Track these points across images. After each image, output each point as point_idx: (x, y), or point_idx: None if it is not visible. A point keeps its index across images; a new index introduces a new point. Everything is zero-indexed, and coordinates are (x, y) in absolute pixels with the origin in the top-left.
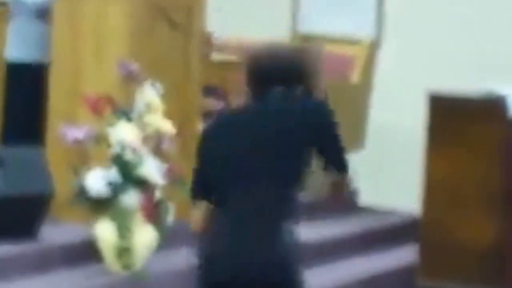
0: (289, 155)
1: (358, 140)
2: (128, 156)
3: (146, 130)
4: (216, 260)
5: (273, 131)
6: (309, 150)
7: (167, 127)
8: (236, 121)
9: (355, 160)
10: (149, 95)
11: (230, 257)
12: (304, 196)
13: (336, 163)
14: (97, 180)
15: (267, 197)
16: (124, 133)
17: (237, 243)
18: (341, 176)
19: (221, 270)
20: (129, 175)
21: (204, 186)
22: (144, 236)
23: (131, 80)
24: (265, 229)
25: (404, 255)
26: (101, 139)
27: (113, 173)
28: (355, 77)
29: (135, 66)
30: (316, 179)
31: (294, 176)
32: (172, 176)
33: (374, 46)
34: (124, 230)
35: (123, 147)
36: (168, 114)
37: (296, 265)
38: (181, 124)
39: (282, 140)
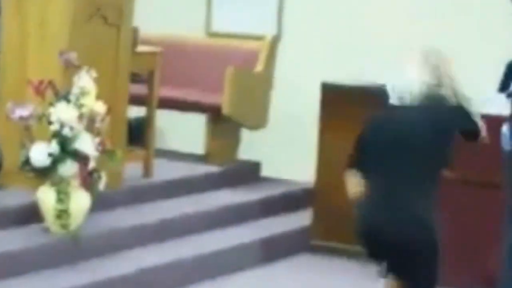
0: (435, 142)
1: (262, 120)
2: (66, 132)
3: (81, 110)
4: (371, 215)
5: (424, 123)
6: (450, 138)
7: (99, 107)
8: (397, 114)
9: (259, 138)
10: (85, 80)
11: (384, 213)
12: (214, 166)
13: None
14: (40, 152)
15: (416, 173)
16: (63, 113)
17: (391, 204)
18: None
19: (374, 223)
20: (67, 148)
21: (361, 159)
22: (79, 200)
23: (69, 67)
24: (415, 196)
25: (300, 219)
26: (43, 118)
27: (54, 147)
28: (259, 67)
29: (73, 55)
30: None
31: (437, 157)
32: (103, 149)
33: (275, 40)
34: (62, 195)
35: (62, 124)
36: (101, 97)
37: (435, 226)
38: (111, 105)
39: (430, 130)
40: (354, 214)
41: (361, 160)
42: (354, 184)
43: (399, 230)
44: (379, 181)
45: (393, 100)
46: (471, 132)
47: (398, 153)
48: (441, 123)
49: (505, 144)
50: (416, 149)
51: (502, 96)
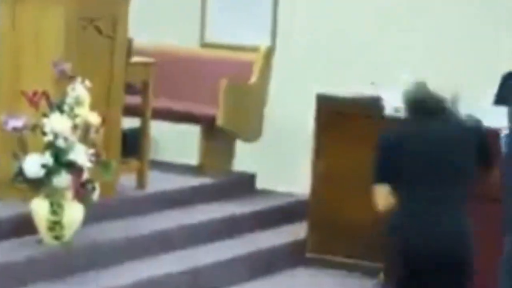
0: (466, 160)
1: (257, 132)
2: (60, 143)
3: (75, 121)
4: (418, 233)
5: (455, 141)
6: (475, 156)
7: (94, 118)
8: (425, 130)
9: (254, 150)
10: (79, 90)
11: (432, 230)
12: (208, 178)
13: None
14: (33, 164)
15: (453, 188)
16: (57, 123)
17: (432, 223)
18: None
19: (420, 247)
20: (60, 159)
21: (388, 173)
22: (73, 212)
23: (63, 77)
24: (453, 213)
25: (296, 232)
26: (37, 128)
27: (47, 158)
28: (253, 79)
29: (67, 66)
30: None
31: (469, 174)
32: (97, 160)
33: (269, 52)
34: (55, 207)
35: (55, 135)
36: (95, 108)
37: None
38: (106, 116)
39: (461, 148)
40: (386, 232)
41: (392, 174)
42: (384, 196)
43: (450, 247)
44: (419, 197)
45: (405, 111)
46: (485, 156)
47: (439, 169)
48: (472, 138)
49: (504, 146)
50: (455, 164)
51: (498, 109)
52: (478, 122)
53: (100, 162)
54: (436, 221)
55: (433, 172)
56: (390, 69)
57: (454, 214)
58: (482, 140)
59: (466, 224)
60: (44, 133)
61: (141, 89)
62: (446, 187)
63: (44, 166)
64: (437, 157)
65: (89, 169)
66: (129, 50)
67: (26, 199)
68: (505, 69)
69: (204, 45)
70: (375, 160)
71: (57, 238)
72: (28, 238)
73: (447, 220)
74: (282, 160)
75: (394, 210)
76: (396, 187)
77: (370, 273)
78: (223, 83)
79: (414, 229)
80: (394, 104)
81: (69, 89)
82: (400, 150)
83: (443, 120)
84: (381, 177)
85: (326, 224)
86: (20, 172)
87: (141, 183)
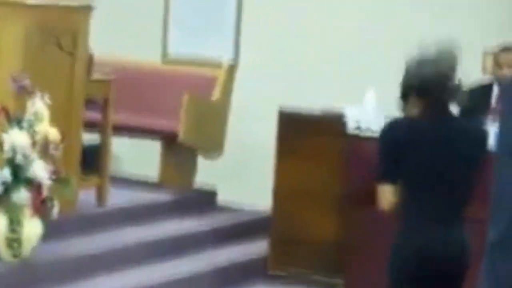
0: (471, 168)
1: (218, 148)
2: (19, 159)
3: (35, 137)
4: (429, 241)
5: (462, 148)
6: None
7: (53, 134)
8: (431, 131)
9: (216, 166)
10: (39, 106)
11: (443, 238)
12: (169, 194)
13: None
14: None
15: (459, 199)
16: (16, 139)
17: (439, 234)
18: None
19: (434, 248)
20: (20, 176)
21: (394, 172)
22: (32, 228)
23: (23, 92)
24: (457, 224)
25: (257, 248)
26: None
27: (6, 174)
28: (216, 94)
29: (26, 81)
30: None
31: (473, 184)
32: (57, 177)
33: (232, 68)
34: (15, 223)
35: (15, 151)
36: (55, 123)
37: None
38: (66, 132)
39: (467, 155)
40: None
41: (398, 173)
42: (389, 195)
43: (457, 255)
44: (427, 202)
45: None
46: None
47: (448, 173)
48: (479, 143)
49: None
50: (462, 169)
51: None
52: (484, 132)
53: (59, 179)
54: (449, 231)
55: (445, 177)
56: (354, 86)
57: (462, 223)
58: (482, 154)
59: (466, 236)
60: (3, 149)
61: (102, 105)
62: (457, 194)
63: (3, 182)
64: (447, 161)
65: (48, 185)
66: (90, 66)
67: None
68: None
69: (167, 60)
70: (378, 156)
71: (15, 255)
72: None
73: (459, 230)
74: (244, 176)
75: (399, 218)
76: (404, 188)
77: None
78: (185, 98)
79: (428, 240)
80: (356, 121)
81: (28, 104)
82: (406, 149)
83: (451, 116)
84: (385, 175)
85: (288, 240)
86: None
87: (101, 199)
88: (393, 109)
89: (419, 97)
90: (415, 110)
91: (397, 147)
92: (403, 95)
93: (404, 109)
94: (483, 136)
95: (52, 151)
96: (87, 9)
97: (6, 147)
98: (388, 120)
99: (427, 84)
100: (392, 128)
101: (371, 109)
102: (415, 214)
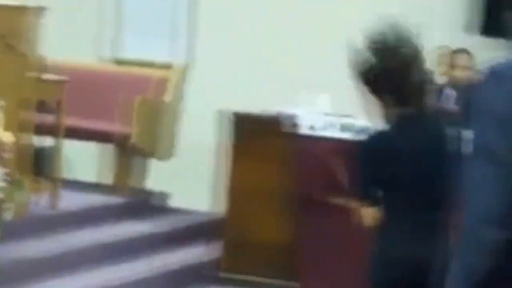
0: (449, 176)
1: (169, 150)
2: None
3: None
4: (415, 254)
5: (440, 156)
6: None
7: (7, 137)
8: (407, 141)
9: (167, 168)
10: None
11: (413, 257)
12: (121, 197)
13: None
14: None
15: (440, 210)
16: None
17: (419, 246)
18: None
19: (404, 269)
20: None
21: (373, 192)
22: None
23: None
24: (439, 234)
25: (209, 251)
26: None
27: None
28: (167, 96)
29: None
30: None
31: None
32: (11, 180)
33: (184, 70)
34: None
35: None
36: (6, 126)
37: None
38: (17, 135)
39: (447, 164)
40: (377, 254)
41: (377, 189)
42: (371, 214)
43: (442, 267)
44: (410, 215)
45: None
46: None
47: (427, 183)
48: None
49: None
50: (440, 177)
51: None
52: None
53: (12, 182)
54: (434, 242)
55: (425, 187)
56: (306, 87)
57: (443, 234)
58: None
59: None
60: None
61: (54, 108)
62: (437, 204)
63: None
64: (426, 170)
65: (2, 188)
66: (42, 68)
67: None
68: None
69: (119, 62)
70: (357, 173)
71: None
72: None
73: (441, 241)
74: (196, 178)
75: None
76: (386, 203)
77: None
78: (137, 100)
79: (414, 253)
80: (309, 122)
81: None
82: (383, 163)
83: (426, 119)
84: (364, 192)
85: (241, 243)
86: None
87: (53, 202)
88: (344, 109)
89: (390, 93)
90: (383, 110)
91: (375, 162)
92: (373, 90)
93: (379, 106)
94: (444, 134)
95: (5, 154)
96: (38, 10)
97: None
98: (365, 136)
99: (396, 78)
100: (369, 143)
101: (323, 110)
102: (395, 226)
